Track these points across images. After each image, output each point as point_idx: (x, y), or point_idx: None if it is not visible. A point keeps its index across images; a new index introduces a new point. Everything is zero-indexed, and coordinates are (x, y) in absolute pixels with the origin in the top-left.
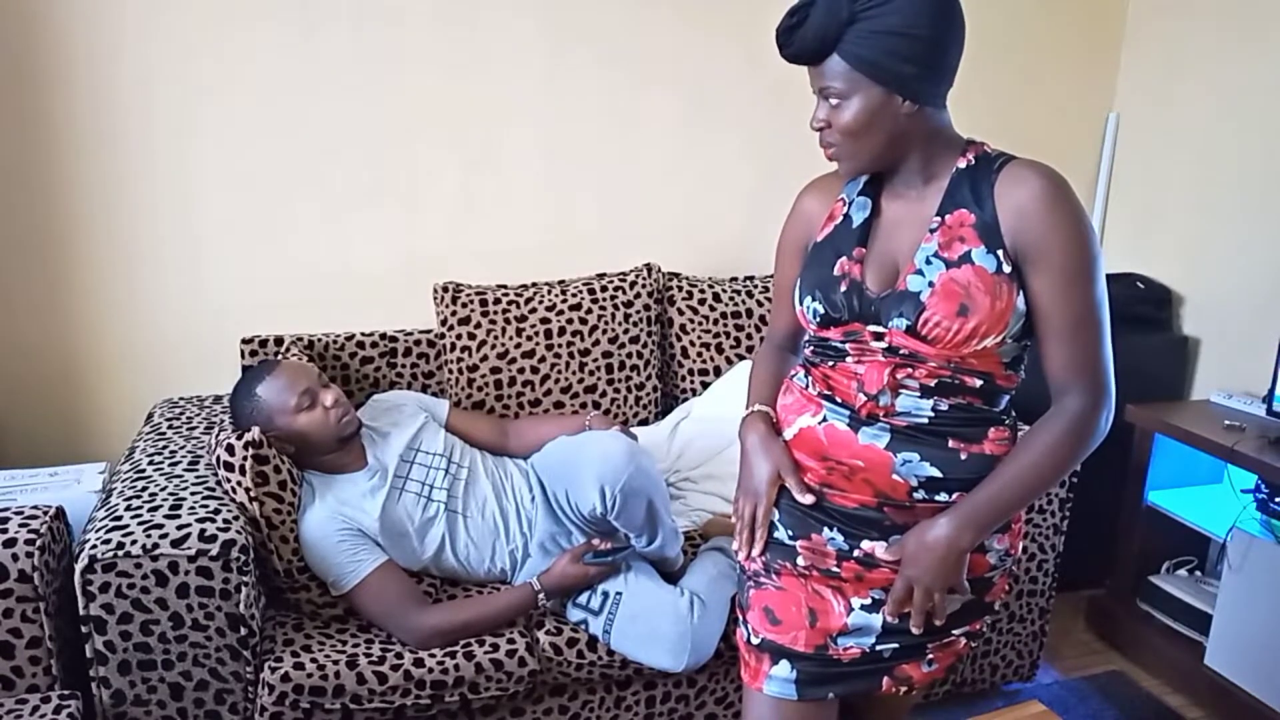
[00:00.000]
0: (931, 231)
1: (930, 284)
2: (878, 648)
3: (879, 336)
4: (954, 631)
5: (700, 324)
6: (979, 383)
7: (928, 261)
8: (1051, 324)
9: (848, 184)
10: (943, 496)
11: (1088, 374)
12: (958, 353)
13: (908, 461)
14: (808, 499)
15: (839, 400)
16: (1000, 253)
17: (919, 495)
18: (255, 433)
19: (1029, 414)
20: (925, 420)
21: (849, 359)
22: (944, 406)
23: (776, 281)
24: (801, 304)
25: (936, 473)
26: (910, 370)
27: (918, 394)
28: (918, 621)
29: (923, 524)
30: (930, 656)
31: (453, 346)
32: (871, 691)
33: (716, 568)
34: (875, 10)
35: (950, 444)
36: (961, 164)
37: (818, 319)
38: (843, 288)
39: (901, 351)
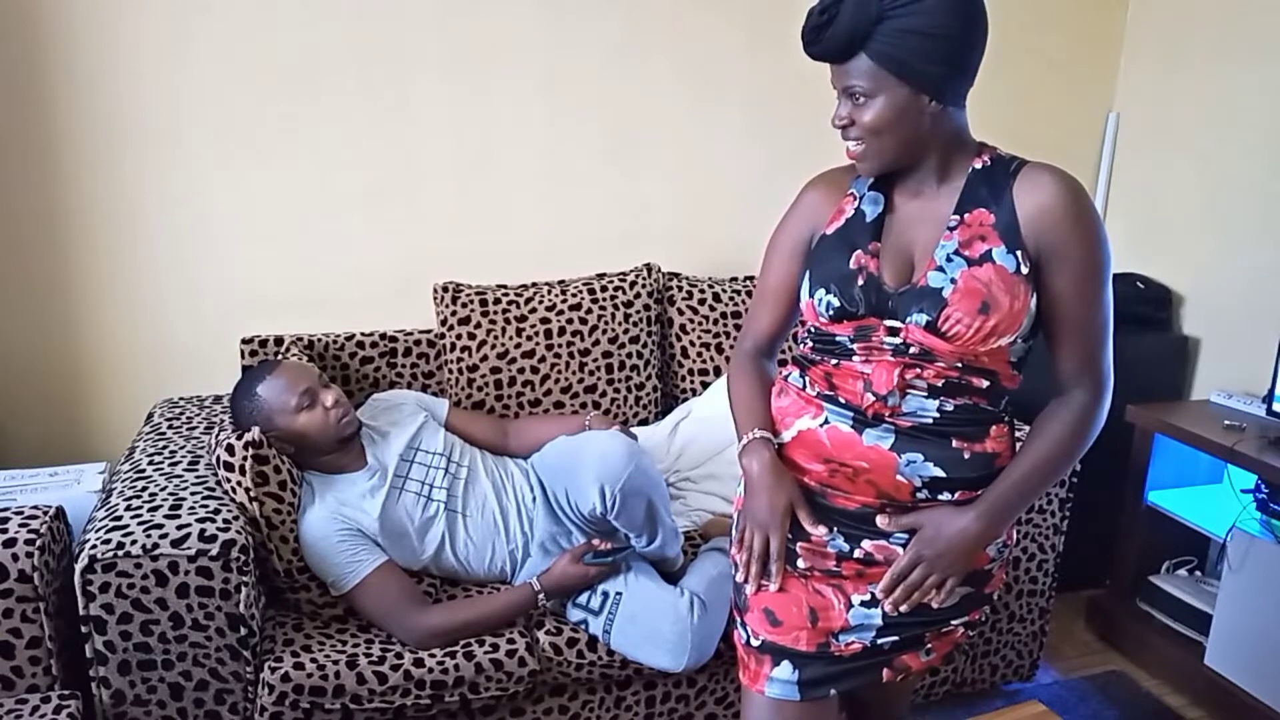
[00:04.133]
0: (950, 229)
1: (953, 281)
2: (878, 641)
3: (893, 332)
4: (953, 621)
5: (700, 324)
6: (986, 383)
7: (948, 259)
8: (1069, 323)
9: (858, 179)
10: (945, 496)
11: (1095, 370)
12: (972, 351)
13: (912, 462)
14: (819, 530)
15: (842, 401)
16: (1020, 253)
17: (922, 495)
18: (255, 433)
19: (1027, 412)
20: (930, 420)
21: (855, 358)
22: (949, 407)
23: (766, 277)
24: (812, 296)
25: (940, 473)
26: (919, 370)
27: (925, 394)
28: (900, 600)
29: (944, 511)
30: (929, 645)
31: (453, 346)
32: (872, 683)
33: (717, 568)
34: (904, 9)
35: (954, 444)
36: (977, 165)
37: (831, 312)
38: (860, 281)
39: (912, 350)
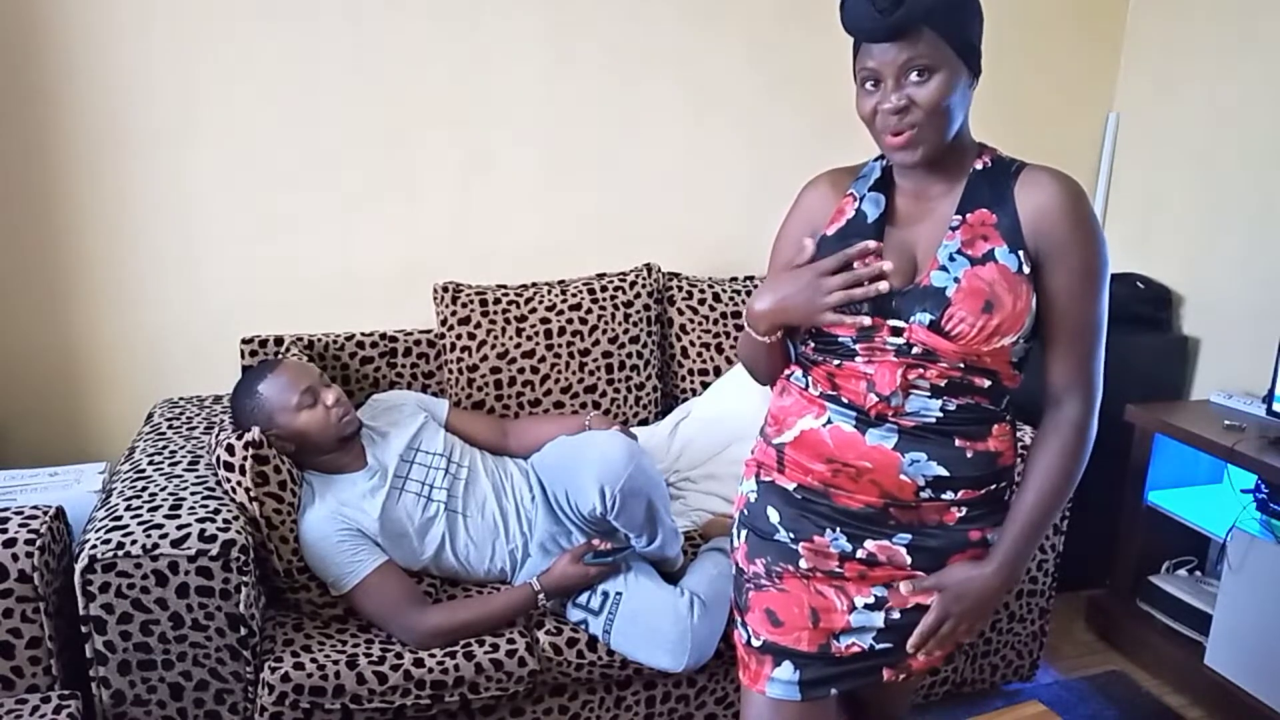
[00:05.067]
0: (953, 229)
1: (956, 280)
2: (878, 647)
3: (896, 332)
4: None
5: (700, 324)
6: (988, 383)
7: (951, 259)
8: (1062, 326)
9: (857, 180)
10: (948, 495)
11: (1086, 379)
12: (975, 351)
13: (915, 461)
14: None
15: (845, 401)
16: (1021, 253)
17: (925, 495)
18: (255, 433)
19: (1028, 412)
20: (934, 420)
21: (858, 359)
22: (952, 406)
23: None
24: None
25: (944, 472)
26: (922, 370)
27: (928, 394)
28: (935, 649)
29: (963, 569)
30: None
31: (453, 346)
32: (872, 683)
33: (717, 568)
34: None
35: (957, 442)
36: (978, 165)
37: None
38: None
39: (914, 350)
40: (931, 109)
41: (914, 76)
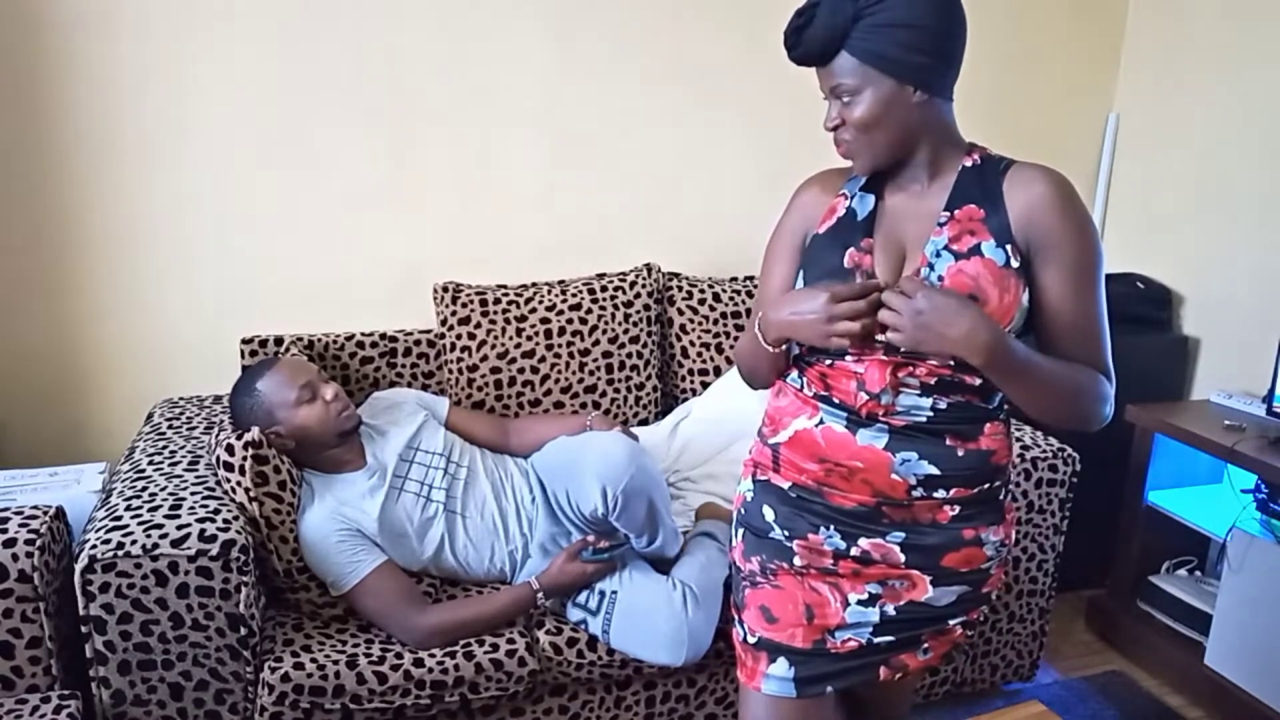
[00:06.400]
0: (941, 225)
1: (940, 278)
2: (875, 640)
3: (885, 329)
4: (950, 621)
5: (700, 324)
6: (978, 380)
7: (937, 254)
8: (1060, 320)
9: (849, 180)
10: (940, 493)
11: (1098, 368)
12: None
13: (906, 460)
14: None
15: (836, 401)
16: (1009, 247)
17: (917, 493)
18: (255, 433)
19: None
20: (924, 419)
21: (849, 357)
22: (943, 405)
23: (768, 280)
24: None
25: (935, 470)
26: (911, 368)
27: (918, 392)
28: (890, 320)
29: (973, 307)
30: (926, 645)
31: (453, 346)
32: (869, 682)
33: (706, 555)
34: (879, 5)
35: (948, 441)
36: (967, 163)
37: None
38: (856, 279)
39: (903, 347)
40: (859, 127)
41: (844, 97)
